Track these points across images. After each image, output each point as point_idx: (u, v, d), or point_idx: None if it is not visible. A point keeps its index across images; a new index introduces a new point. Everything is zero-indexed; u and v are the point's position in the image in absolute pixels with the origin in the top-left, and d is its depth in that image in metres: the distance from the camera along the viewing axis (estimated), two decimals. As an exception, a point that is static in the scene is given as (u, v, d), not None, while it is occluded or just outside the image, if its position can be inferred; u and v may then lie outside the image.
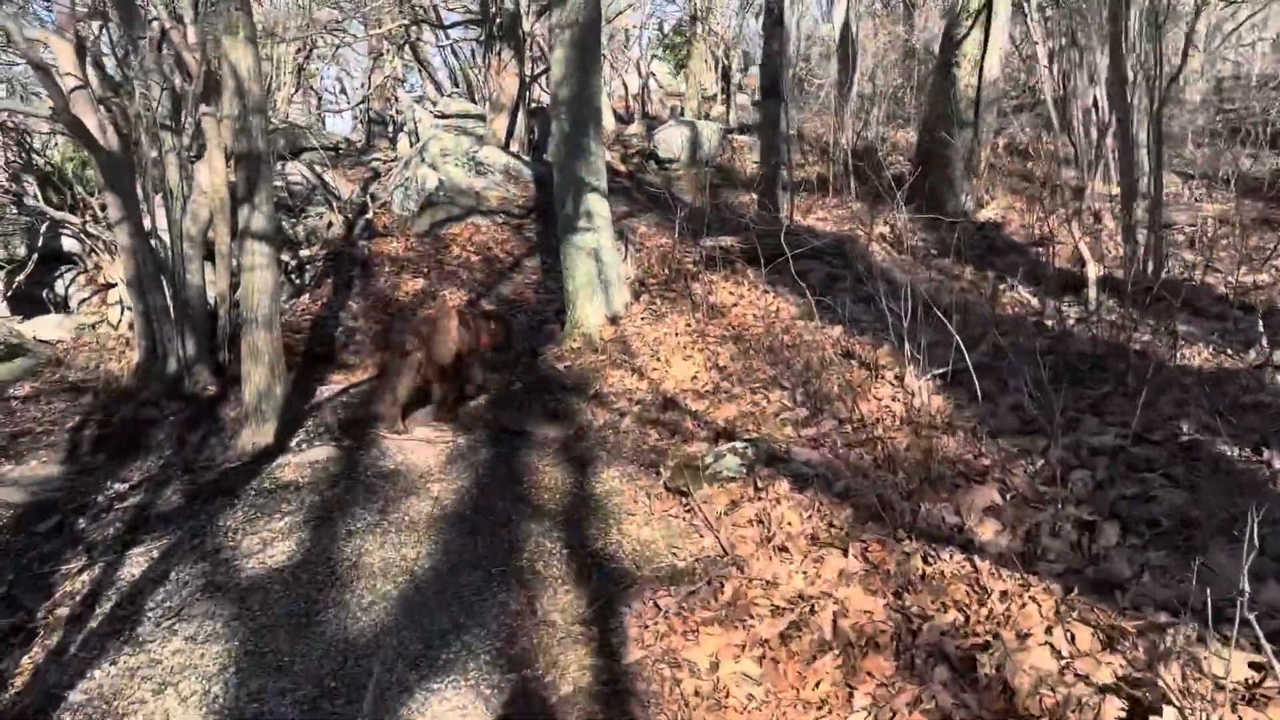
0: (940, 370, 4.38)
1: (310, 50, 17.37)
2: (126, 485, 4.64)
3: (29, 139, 8.64)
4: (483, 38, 11.70)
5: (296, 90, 17.55)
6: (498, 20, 11.41)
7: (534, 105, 14.18)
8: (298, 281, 8.22)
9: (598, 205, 6.05)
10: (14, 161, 8.44)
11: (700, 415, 4.73)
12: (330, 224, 8.79)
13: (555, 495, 4.23)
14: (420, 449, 4.83)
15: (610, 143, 14.43)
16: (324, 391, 5.91)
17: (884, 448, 3.82)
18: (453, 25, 12.04)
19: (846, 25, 11.45)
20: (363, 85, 15.97)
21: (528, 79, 12.17)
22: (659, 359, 5.55)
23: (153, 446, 5.19)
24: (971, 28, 7.60)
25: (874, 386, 4.55)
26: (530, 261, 8.44)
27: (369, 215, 9.55)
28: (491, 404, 5.48)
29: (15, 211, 8.32)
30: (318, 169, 10.32)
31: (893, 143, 11.14)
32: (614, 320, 6.17)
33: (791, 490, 3.67)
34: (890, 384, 4.58)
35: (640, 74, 20.29)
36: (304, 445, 4.95)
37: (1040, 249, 6.43)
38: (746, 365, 5.16)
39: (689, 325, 5.89)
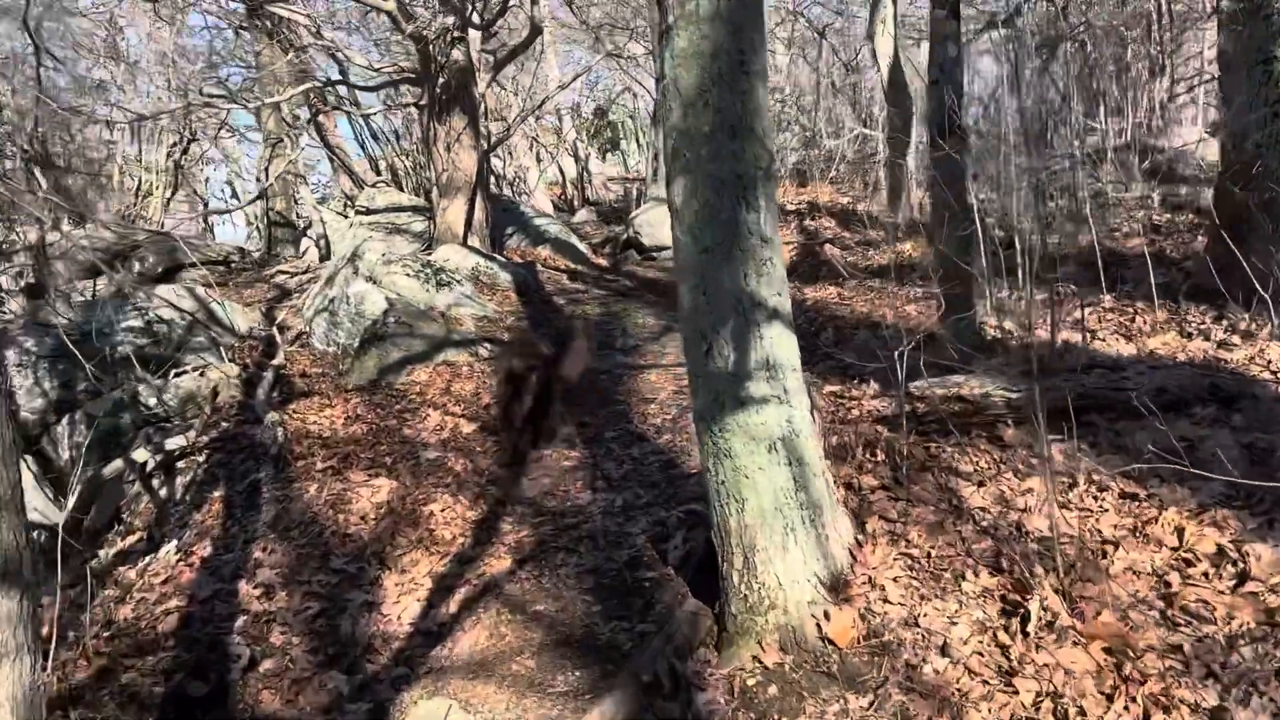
0: None
1: (188, 143, 14.12)
2: None
3: None
4: (423, 101, 8.69)
5: (174, 193, 14.19)
6: (440, 79, 8.44)
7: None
8: (163, 495, 4.79)
9: (782, 346, 2.82)
10: None
11: None
12: (216, 388, 5.39)
13: None
14: None
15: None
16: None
17: None
18: (379, 87, 8.99)
19: (897, 63, 8.97)
20: (259, 179, 12.73)
21: (485, 151, 9.20)
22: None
23: None
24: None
25: None
26: (561, 428, 5.23)
27: (279, 360, 6.21)
28: None
29: None
30: (201, 292, 6.96)
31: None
32: (837, 588, 2.90)
33: None
34: None
35: (578, 158, 17.85)
36: None
37: None
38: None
39: (1045, 615, 2.67)
